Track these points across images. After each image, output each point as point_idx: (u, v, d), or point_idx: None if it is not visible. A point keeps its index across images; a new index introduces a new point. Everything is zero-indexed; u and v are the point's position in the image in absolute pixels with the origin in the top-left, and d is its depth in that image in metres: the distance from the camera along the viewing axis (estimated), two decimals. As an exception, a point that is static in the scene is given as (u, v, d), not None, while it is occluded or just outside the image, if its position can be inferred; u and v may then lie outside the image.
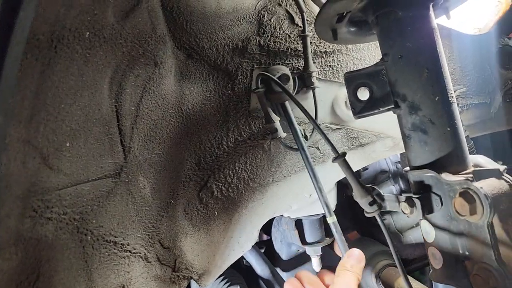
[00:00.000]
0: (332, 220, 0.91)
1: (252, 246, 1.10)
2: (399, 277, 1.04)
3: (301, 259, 1.28)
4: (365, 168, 1.46)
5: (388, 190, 1.47)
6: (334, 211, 1.16)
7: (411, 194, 0.78)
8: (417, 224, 1.50)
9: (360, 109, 0.84)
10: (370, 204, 0.79)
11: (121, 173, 0.85)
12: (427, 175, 0.76)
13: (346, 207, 1.50)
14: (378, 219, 0.80)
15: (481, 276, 0.70)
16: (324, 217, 1.18)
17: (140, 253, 0.88)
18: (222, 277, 1.15)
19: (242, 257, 1.37)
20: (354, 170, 1.07)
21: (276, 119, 0.96)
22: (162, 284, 0.94)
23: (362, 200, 0.80)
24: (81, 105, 0.75)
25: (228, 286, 1.12)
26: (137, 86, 0.86)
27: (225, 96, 0.98)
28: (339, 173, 1.07)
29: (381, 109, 0.82)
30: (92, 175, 0.79)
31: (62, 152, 0.72)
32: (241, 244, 1.04)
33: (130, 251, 0.86)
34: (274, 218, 1.25)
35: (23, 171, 0.63)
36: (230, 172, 1.00)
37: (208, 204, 1.00)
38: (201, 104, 0.97)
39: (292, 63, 1.01)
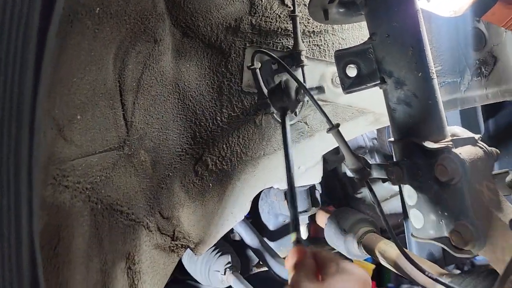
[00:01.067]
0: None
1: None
2: (379, 241, 1.14)
3: (288, 229, 1.36)
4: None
5: (365, 164, 1.55)
6: (319, 183, 1.24)
7: (396, 162, 0.86)
8: (391, 196, 1.61)
9: (349, 85, 0.91)
10: (360, 170, 0.86)
11: (124, 146, 0.89)
12: (411, 144, 0.84)
13: (324, 183, 1.58)
14: (366, 184, 0.88)
15: (459, 231, 0.79)
16: (310, 188, 1.26)
17: (143, 222, 0.93)
18: (213, 248, 1.21)
19: (230, 232, 1.43)
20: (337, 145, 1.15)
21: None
22: (163, 253, 0.99)
23: (352, 167, 0.87)
24: (89, 79, 0.78)
25: (220, 255, 1.18)
26: (138, 62, 0.90)
27: (219, 73, 1.03)
28: (326, 147, 1.14)
29: (368, 84, 0.89)
30: (99, 147, 0.83)
31: (74, 124, 0.76)
32: (234, 214, 1.10)
33: (134, 220, 0.90)
34: (262, 191, 1.31)
35: (44, 141, 0.67)
36: (223, 146, 1.05)
37: (203, 176, 1.05)
38: (196, 80, 1.01)
39: (282, 42, 1.07)
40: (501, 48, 1.28)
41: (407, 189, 0.88)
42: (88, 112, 0.79)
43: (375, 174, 0.89)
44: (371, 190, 0.88)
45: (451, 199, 0.80)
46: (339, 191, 1.61)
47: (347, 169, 0.91)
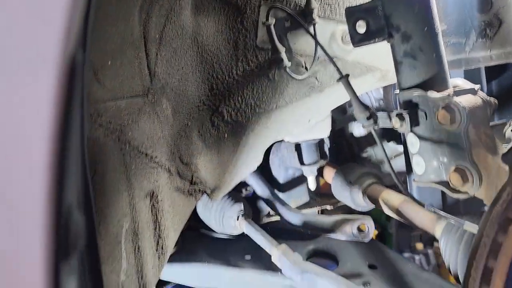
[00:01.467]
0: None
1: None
2: (383, 191, 1.21)
3: (297, 182, 1.44)
4: (350, 104, 1.60)
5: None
6: (328, 137, 1.31)
7: (401, 111, 0.92)
8: (395, 156, 1.68)
9: (358, 39, 0.97)
10: (367, 118, 0.93)
11: (148, 94, 0.96)
12: (415, 94, 0.91)
13: (331, 143, 1.64)
14: (373, 132, 0.94)
15: (457, 174, 0.86)
16: (319, 142, 1.33)
17: (165, 165, 1.01)
18: (227, 196, 1.28)
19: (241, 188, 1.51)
20: (346, 101, 1.21)
21: (281, 49, 1.08)
22: (182, 195, 1.08)
23: (361, 115, 0.93)
24: (119, 29, 0.84)
25: (233, 203, 1.26)
26: (161, 15, 0.96)
27: (235, 29, 1.09)
28: (335, 102, 1.20)
29: (376, 39, 0.95)
30: (127, 93, 0.90)
31: (105, 69, 0.83)
32: (248, 164, 1.17)
33: (157, 163, 0.98)
34: (273, 145, 1.38)
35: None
36: (239, 98, 1.12)
37: (219, 127, 1.12)
38: (213, 35, 1.07)
39: (294, 1, 1.12)
40: (506, 11, 1.32)
41: (411, 137, 0.94)
42: (117, 60, 0.86)
43: (381, 123, 0.96)
44: (377, 138, 0.95)
45: (450, 144, 0.87)
46: (345, 150, 1.68)
47: (355, 118, 0.98)
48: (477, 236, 0.61)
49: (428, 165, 0.93)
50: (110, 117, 0.85)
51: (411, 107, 0.92)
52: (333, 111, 1.26)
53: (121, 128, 0.88)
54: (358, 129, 1.62)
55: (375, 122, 0.94)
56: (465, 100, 0.85)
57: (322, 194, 1.58)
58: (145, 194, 0.94)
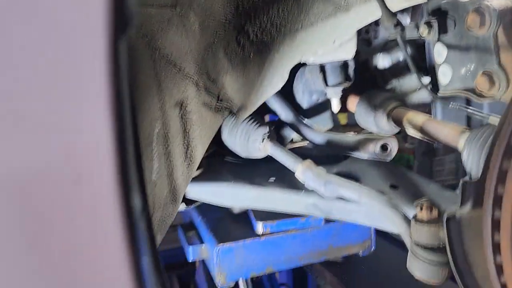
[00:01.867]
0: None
1: (276, 94, 1.25)
2: (407, 113, 1.21)
3: (321, 107, 1.45)
4: (375, 36, 1.58)
5: (396, 56, 1.60)
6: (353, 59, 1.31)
7: (429, 19, 0.92)
8: (420, 88, 1.67)
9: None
10: (395, 26, 0.93)
11: (177, 6, 0.98)
12: (444, 1, 0.90)
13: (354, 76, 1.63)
14: (399, 39, 0.94)
15: (484, 77, 0.86)
16: (344, 63, 1.33)
17: (193, 78, 1.03)
18: (252, 120, 1.30)
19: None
20: (374, 19, 1.20)
21: (308, -36, 1.07)
22: (209, 111, 1.11)
23: (388, 23, 0.94)
24: None
25: (258, 126, 1.28)
26: None
27: None
28: (360, 22, 1.19)
29: None
30: (155, 2, 0.92)
31: (135, -27, 0.84)
32: (273, 84, 1.19)
33: (186, 75, 1.01)
34: (297, 70, 1.39)
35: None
36: (264, 18, 1.12)
37: (245, 46, 1.13)
38: (238, -48, 1.07)
39: None
40: None
41: (438, 47, 0.94)
42: (146, -35, 0.88)
43: (408, 33, 0.96)
44: (402, 44, 0.95)
45: (479, 50, 0.87)
46: (369, 83, 1.67)
47: (382, 26, 0.98)
48: (503, 116, 0.62)
49: (454, 73, 0.93)
50: (141, 22, 0.87)
51: (440, 15, 0.91)
52: (357, 43, 1.25)
53: (151, 35, 0.90)
54: (382, 61, 1.61)
55: (402, 29, 0.94)
56: (496, 2, 0.84)
57: (346, 126, 1.59)
58: (175, 102, 0.97)
